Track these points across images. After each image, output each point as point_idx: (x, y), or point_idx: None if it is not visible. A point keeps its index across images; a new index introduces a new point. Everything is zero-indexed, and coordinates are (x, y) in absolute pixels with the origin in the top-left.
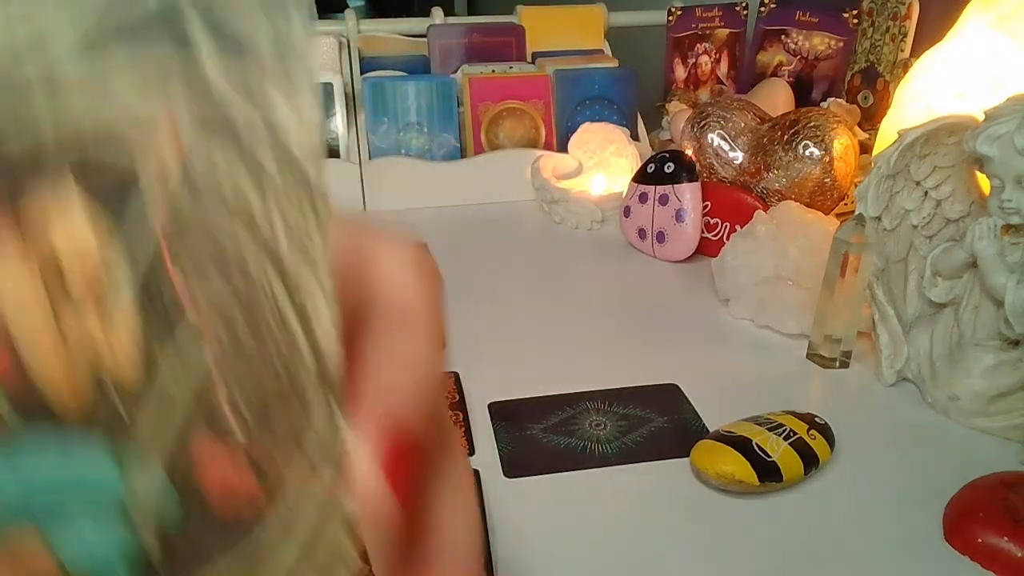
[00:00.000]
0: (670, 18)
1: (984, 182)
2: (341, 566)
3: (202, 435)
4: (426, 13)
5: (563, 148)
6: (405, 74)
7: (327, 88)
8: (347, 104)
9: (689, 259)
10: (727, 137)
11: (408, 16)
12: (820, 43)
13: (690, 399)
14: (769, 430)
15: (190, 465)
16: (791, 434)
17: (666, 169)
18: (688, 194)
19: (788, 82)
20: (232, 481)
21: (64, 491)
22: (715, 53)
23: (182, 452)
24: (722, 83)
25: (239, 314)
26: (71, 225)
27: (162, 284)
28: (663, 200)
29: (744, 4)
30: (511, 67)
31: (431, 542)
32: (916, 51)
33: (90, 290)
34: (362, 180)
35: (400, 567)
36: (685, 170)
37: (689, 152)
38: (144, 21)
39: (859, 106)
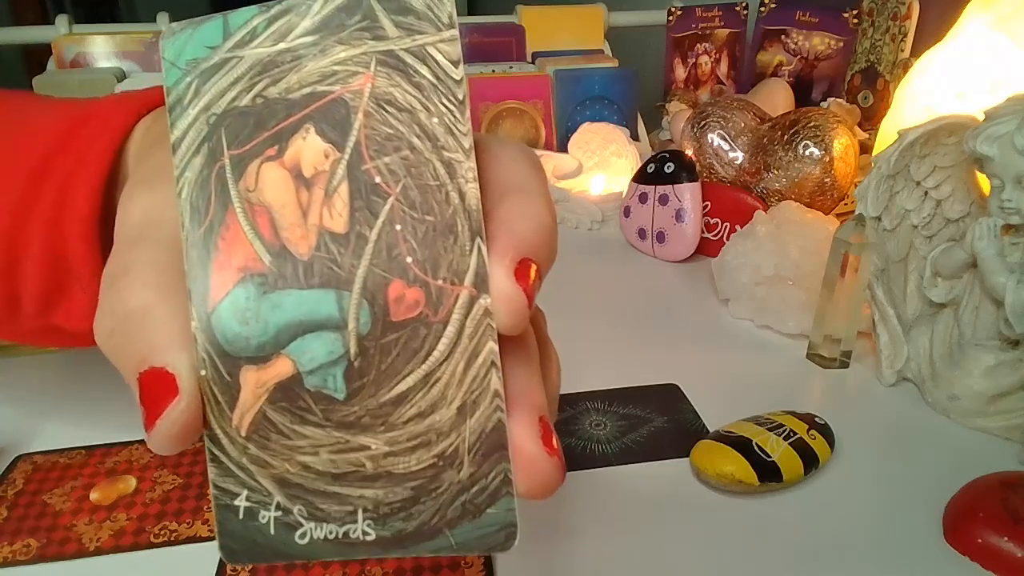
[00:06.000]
0: (670, 18)
1: (984, 182)
2: (489, 339)
3: (386, 261)
4: None
5: (563, 148)
6: None
7: None
8: None
9: (689, 259)
10: (727, 137)
11: None
12: (820, 43)
13: (690, 399)
14: (769, 430)
15: (378, 286)
16: (791, 434)
17: (666, 169)
18: (688, 194)
19: (788, 82)
20: (404, 294)
21: (304, 320)
22: (715, 53)
23: (373, 278)
24: (722, 83)
25: (410, 175)
26: (308, 140)
27: (361, 163)
28: (663, 200)
29: (744, 4)
30: (511, 67)
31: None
32: (916, 51)
33: (318, 175)
34: None
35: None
36: (685, 170)
37: (689, 152)
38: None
39: (859, 106)
